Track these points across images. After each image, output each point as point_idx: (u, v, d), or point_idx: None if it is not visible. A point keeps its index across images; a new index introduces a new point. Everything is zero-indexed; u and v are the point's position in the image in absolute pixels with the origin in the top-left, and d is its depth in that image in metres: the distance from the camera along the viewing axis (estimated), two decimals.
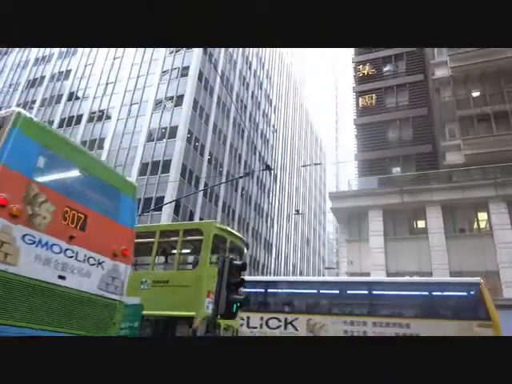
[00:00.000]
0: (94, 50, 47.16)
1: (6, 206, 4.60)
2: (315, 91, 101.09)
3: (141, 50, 43.91)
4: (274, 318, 14.75)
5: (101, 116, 42.18)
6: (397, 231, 24.98)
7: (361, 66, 32.96)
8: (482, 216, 23.74)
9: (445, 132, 26.67)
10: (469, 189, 23.01)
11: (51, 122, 44.39)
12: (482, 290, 13.07)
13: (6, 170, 4.69)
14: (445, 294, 14.35)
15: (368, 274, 22.92)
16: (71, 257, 5.24)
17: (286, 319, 14.61)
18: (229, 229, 11.08)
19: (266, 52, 63.12)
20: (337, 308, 14.96)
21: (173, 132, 37.34)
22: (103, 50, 46.29)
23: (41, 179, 5.17)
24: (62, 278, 5.09)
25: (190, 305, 9.31)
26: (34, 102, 47.33)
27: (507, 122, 24.58)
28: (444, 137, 26.59)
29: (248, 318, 14.81)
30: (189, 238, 10.82)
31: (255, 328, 14.65)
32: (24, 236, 4.76)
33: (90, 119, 42.45)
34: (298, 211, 54.01)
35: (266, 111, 59.89)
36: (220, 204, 42.58)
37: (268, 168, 21.24)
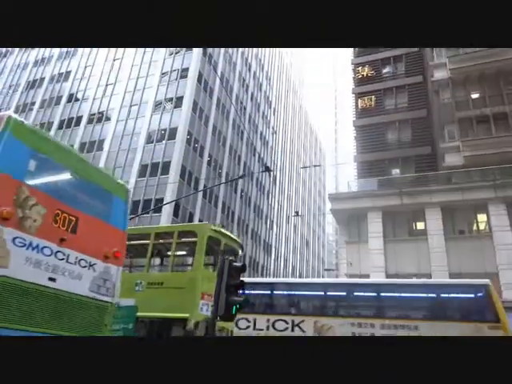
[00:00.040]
0: (94, 51, 47.21)
1: None
2: (315, 93, 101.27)
3: (140, 51, 43.95)
4: (281, 320, 14.63)
5: (100, 117, 42.18)
6: (396, 233, 24.98)
7: (360, 68, 33.02)
8: (482, 218, 23.75)
9: (444, 134, 26.71)
10: (468, 190, 23.02)
11: (51, 124, 44.43)
12: (490, 291, 12.98)
13: None
14: (453, 295, 14.23)
15: (367, 276, 22.92)
16: (62, 259, 5.28)
17: (292, 321, 14.47)
18: (223, 230, 11.08)
19: (266, 54, 63.20)
20: (344, 310, 14.83)
21: (172, 133, 37.34)
22: (103, 52, 46.33)
23: (32, 182, 5.21)
24: (52, 280, 5.12)
25: (184, 306, 9.32)
26: (33, 103, 47.33)
27: (506, 123, 24.62)
28: (443, 138, 26.62)
29: (254, 320, 14.77)
30: (183, 239, 10.83)
31: (261, 330, 14.57)
32: (14, 239, 4.79)
33: (90, 121, 42.45)
34: (297, 213, 53.98)
35: (266, 113, 59.94)
36: (219, 205, 42.57)
37: (267, 169, 21.25)
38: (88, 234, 5.69)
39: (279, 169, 62.49)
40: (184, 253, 11.64)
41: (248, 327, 14.71)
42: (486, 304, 12.95)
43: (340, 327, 13.63)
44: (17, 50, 53.57)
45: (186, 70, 40.40)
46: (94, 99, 43.55)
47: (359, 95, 31.98)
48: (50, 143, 5.81)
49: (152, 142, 37.87)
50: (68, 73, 47.64)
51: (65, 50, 49.82)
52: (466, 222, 24.19)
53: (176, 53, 42.17)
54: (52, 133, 43.57)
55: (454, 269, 21.70)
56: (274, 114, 63.93)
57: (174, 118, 38.16)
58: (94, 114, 42.60)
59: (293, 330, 14.28)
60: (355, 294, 15.59)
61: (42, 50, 51.59)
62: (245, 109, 51.93)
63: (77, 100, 44.95)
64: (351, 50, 35.04)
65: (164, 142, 37.30)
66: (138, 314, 8.58)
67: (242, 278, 9.93)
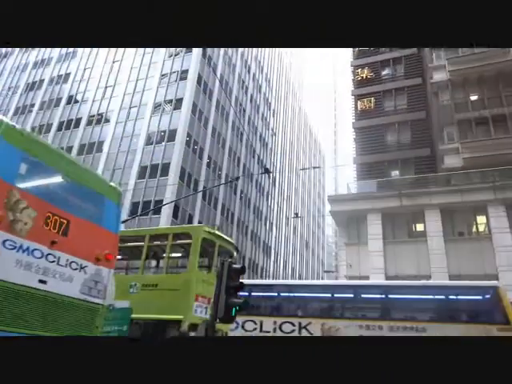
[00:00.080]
0: (93, 53, 47.27)
1: None
2: (314, 94, 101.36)
3: (140, 53, 44.01)
4: (288, 322, 14.52)
5: (100, 119, 42.20)
6: (396, 234, 24.97)
7: (359, 70, 33.09)
8: (481, 219, 23.75)
9: (443, 135, 26.75)
10: (467, 192, 23.03)
11: (50, 125, 44.43)
12: (500, 293, 12.92)
13: None
14: (462, 297, 14.15)
15: (367, 278, 22.90)
16: (53, 261, 5.31)
17: (299, 323, 14.35)
18: (217, 232, 11.12)
19: (265, 55, 63.31)
20: (352, 312, 14.73)
21: (172, 135, 37.36)
22: (102, 54, 46.39)
23: (23, 185, 5.24)
24: (42, 282, 5.15)
25: (179, 308, 9.35)
26: (32, 105, 47.36)
27: (505, 125, 24.67)
28: (442, 140, 26.66)
29: (261, 322, 14.68)
30: (178, 241, 10.86)
31: (268, 332, 14.49)
32: (5, 241, 4.82)
33: (89, 122, 42.46)
34: (296, 214, 54.02)
35: (265, 114, 60.00)
36: (219, 207, 42.57)
37: (267, 171, 21.29)
38: (79, 237, 5.73)
39: (279, 170, 62.53)
40: (179, 255, 11.69)
41: (255, 329, 14.63)
42: (495, 306, 12.86)
43: (347, 329, 13.50)
44: (16, 51, 53.62)
45: (186, 71, 40.45)
46: (93, 101, 43.58)
47: (358, 97, 32.03)
48: (42, 146, 5.84)
49: (151, 144, 37.89)
50: (67, 75, 47.69)
51: (64, 51, 49.87)
52: (465, 224, 24.18)
53: (175, 55, 42.24)
54: (51, 134, 43.61)
55: (454, 270, 21.69)
56: (273, 116, 64.01)
57: (173, 119, 38.18)
58: (94, 116, 42.61)
59: (300, 332, 14.17)
60: (363, 295, 15.45)
61: (42, 51, 51.65)
62: (244, 111, 51.98)
63: (76, 102, 44.98)
64: (351, 50, 35.08)
65: (163, 143, 37.32)
66: (133, 315, 8.60)
67: (241, 280, 9.94)
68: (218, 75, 45.05)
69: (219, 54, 46.40)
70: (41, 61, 51.00)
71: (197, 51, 40.92)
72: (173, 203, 33.41)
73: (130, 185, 35.98)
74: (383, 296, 14.88)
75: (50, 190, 5.71)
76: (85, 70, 46.77)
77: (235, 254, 11.55)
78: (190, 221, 36.38)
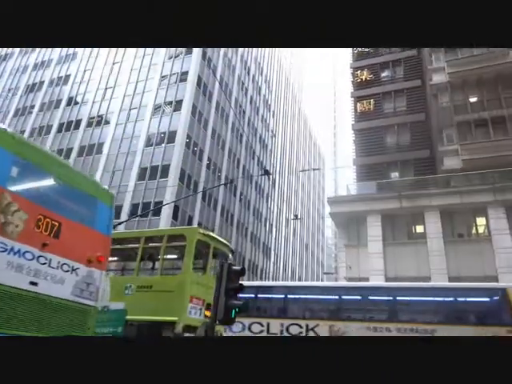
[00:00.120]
0: (94, 54, 47.32)
1: None
2: (314, 96, 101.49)
3: (140, 54, 44.06)
4: (295, 324, 14.44)
5: (100, 121, 42.22)
6: (395, 236, 24.96)
7: (359, 72, 33.12)
8: (481, 221, 23.75)
9: (442, 137, 26.77)
10: (467, 194, 23.03)
11: (50, 127, 44.45)
12: (509, 294, 12.87)
13: None
14: (471, 299, 14.09)
15: (367, 279, 22.88)
16: (44, 263, 5.34)
17: (307, 325, 14.27)
18: (212, 234, 11.14)
19: (265, 57, 63.40)
20: (360, 314, 14.63)
21: (171, 137, 37.38)
22: (102, 55, 46.45)
23: (14, 188, 5.28)
24: (33, 284, 5.19)
25: (173, 310, 9.37)
26: (32, 106, 47.37)
27: (504, 127, 24.70)
28: (442, 142, 26.69)
29: (268, 324, 14.64)
30: (173, 243, 10.87)
31: (275, 334, 14.46)
32: None
33: (89, 124, 42.48)
34: (296, 216, 53.99)
35: (265, 116, 60.05)
36: (219, 209, 42.56)
37: (267, 173, 21.33)
38: (71, 239, 5.77)
39: (278, 172, 62.55)
40: (174, 256, 11.72)
41: (262, 331, 14.58)
42: (504, 307, 12.80)
43: (356, 331, 13.42)
44: (16, 53, 53.66)
45: (186, 73, 40.50)
46: (93, 102, 43.61)
47: (358, 99, 32.06)
48: (33, 150, 5.89)
49: (151, 146, 37.91)
50: (67, 76, 47.72)
51: (64, 53, 49.92)
52: (465, 226, 24.18)
53: (175, 56, 42.30)
54: (51, 136, 43.63)
55: (454, 272, 21.68)
56: (273, 118, 64.06)
57: (173, 121, 38.21)
58: (94, 118, 42.64)
59: (307, 335, 14.14)
60: (371, 297, 15.34)
61: (42, 53, 51.70)
62: (244, 112, 52.02)
63: (76, 103, 45.01)
64: (351, 50, 35.11)
65: (163, 145, 37.33)
66: (128, 317, 8.63)
67: (241, 282, 9.93)
68: (218, 77, 45.11)
69: (219, 55, 46.47)
70: (41, 62, 51.05)
71: (197, 53, 40.98)
72: (172, 205, 33.42)
73: (130, 186, 35.99)
74: (391, 298, 14.79)
75: (41, 192, 5.77)
76: (85, 71, 46.81)
77: (230, 255, 11.56)
78: (190, 222, 36.37)
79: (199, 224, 37.72)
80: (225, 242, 11.61)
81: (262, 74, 61.24)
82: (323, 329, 13.94)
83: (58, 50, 50.53)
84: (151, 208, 33.04)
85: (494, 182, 22.73)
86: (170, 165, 35.85)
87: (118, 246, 11.59)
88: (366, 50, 33.70)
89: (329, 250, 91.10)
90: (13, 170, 5.30)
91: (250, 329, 14.63)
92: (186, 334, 9.30)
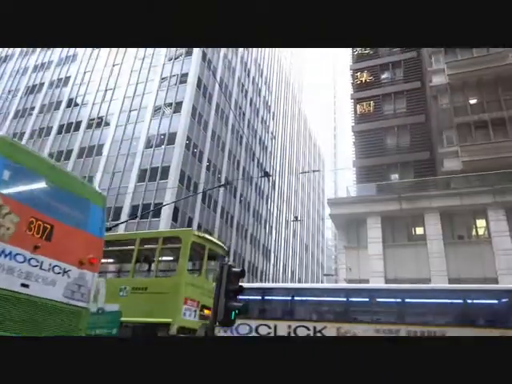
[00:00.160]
0: (94, 56, 47.39)
1: None
2: (314, 96, 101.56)
3: (140, 56, 44.11)
4: (303, 326, 14.29)
5: (100, 122, 42.25)
6: (395, 238, 24.94)
7: (358, 74, 33.14)
8: (481, 223, 23.74)
9: (442, 139, 26.78)
10: (467, 195, 23.03)
11: (50, 129, 44.47)
12: None
13: None
14: (481, 301, 13.92)
15: (367, 281, 22.86)
16: (36, 266, 5.38)
17: (314, 327, 14.12)
18: (207, 236, 11.17)
19: (265, 59, 63.48)
20: (368, 316, 14.50)
21: (171, 138, 37.39)
22: (102, 57, 46.51)
23: (5, 191, 5.31)
24: (25, 286, 5.23)
25: (167, 311, 9.41)
26: (32, 108, 47.41)
27: (504, 129, 24.70)
28: (442, 144, 26.69)
29: (275, 326, 14.55)
30: (168, 245, 10.89)
31: None
32: None
33: (89, 125, 42.50)
34: (296, 218, 53.99)
35: (265, 118, 60.09)
36: (218, 210, 42.55)
37: (266, 175, 21.32)
38: (63, 241, 5.80)
39: (278, 174, 62.55)
40: (169, 258, 11.73)
41: (269, 333, 14.49)
42: None
43: (363, 333, 13.25)
44: (16, 54, 53.73)
45: (186, 75, 40.54)
46: (93, 104, 43.65)
47: (358, 100, 32.07)
48: (25, 153, 5.93)
49: (151, 147, 37.92)
50: (67, 78, 47.77)
51: (64, 55, 49.98)
52: (465, 227, 24.17)
53: (175, 58, 42.36)
54: (51, 137, 43.66)
55: (453, 274, 21.65)
56: (273, 119, 64.11)
57: (173, 122, 38.23)
58: (94, 119, 42.66)
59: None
60: (379, 299, 15.18)
61: (42, 55, 51.77)
62: (244, 114, 52.06)
63: (76, 105, 45.05)
64: (351, 51, 35.15)
65: (163, 146, 37.34)
66: (122, 318, 8.66)
67: (241, 284, 9.93)
68: (218, 78, 45.16)
69: (219, 57, 46.53)
70: (41, 64, 51.10)
71: (196, 55, 41.03)
72: (172, 206, 33.42)
73: (130, 188, 36.00)
74: (400, 300, 14.64)
75: (33, 195, 5.81)
76: (85, 73, 46.87)
77: (226, 257, 11.59)
78: (190, 224, 36.36)
79: (199, 225, 37.72)
80: (220, 243, 11.64)
81: (262, 76, 61.31)
82: (331, 331, 13.78)
83: (58, 51, 50.60)
84: (153, 209, 33.03)
85: (494, 183, 22.73)
86: (169, 166, 35.85)
87: (114, 248, 11.65)
88: (366, 51, 33.76)
89: (329, 251, 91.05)
90: (4, 173, 5.33)
91: (257, 331, 14.55)
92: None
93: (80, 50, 48.93)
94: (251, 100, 54.93)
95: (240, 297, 16.25)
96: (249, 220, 50.55)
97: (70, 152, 41.46)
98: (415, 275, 22.24)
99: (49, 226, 5.58)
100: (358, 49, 34.00)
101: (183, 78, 40.55)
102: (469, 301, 13.86)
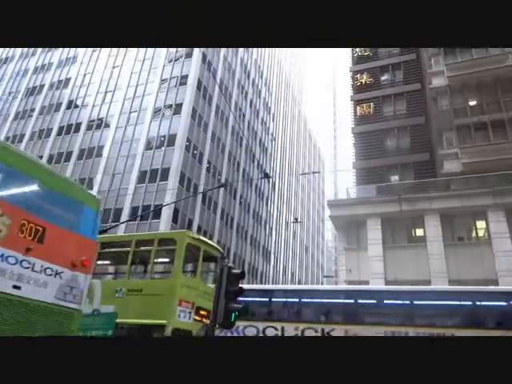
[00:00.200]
0: (94, 58, 47.46)
1: None
2: (314, 98, 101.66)
3: (140, 58, 44.18)
4: (311, 328, 14.23)
5: (100, 124, 42.28)
6: (395, 239, 24.94)
7: (358, 75, 33.19)
8: (481, 224, 23.74)
9: (442, 140, 26.78)
10: (467, 197, 23.03)
11: (50, 130, 44.51)
12: None
13: None
14: (490, 303, 13.85)
15: (367, 283, 22.85)
16: (27, 268, 5.41)
17: (322, 330, 14.08)
18: (202, 238, 11.20)
19: (265, 60, 63.57)
20: (377, 318, 14.40)
21: (171, 140, 37.42)
22: (102, 59, 46.58)
23: None
24: (16, 287, 5.26)
25: (162, 313, 9.44)
26: (33, 110, 47.45)
27: (504, 130, 24.72)
28: (442, 145, 26.69)
29: (283, 328, 14.48)
30: (163, 247, 10.92)
31: None
32: None
33: (89, 127, 42.53)
34: (296, 219, 53.98)
35: (265, 119, 60.14)
36: (218, 212, 42.55)
37: (266, 176, 21.35)
38: (55, 244, 5.83)
39: (278, 175, 62.57)
40: (165, 260, 11.76)
41: (276, 335, 14.44)
42: None
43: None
44: (17, 56, 53.83)
45: (186, 77, 40.59)
46: (93, 106, 43.70)
47: (358, 102, 32.11)
48: (17, 156, 5.96)
49: (151, 149, 37.94)
50: (68, 80, 47.83)
51: (64, 57, 50.07)
52: (465, 229, 24.17)
53: (175, 60, 42.42)
54: (51, 139, 43.69)
55: (454, 275, 21.64)
56: (273, 121, 64.16)
57: (173, 124, 38.26)
58: (94, 121, 42.71)
59: None
60: (388, 301, 15.08)
61: (42, 56, 51.85)
62: (244, 116, 52.11)
63: (76, 107, 45.09)
64: (351, 52, 35.19)
65: (163, 148, 37.37)
66: (118, 320, 8.70)
67: (241, 285, 9.92)
68: (218, 80, 45.22)
69: (219, 59, 46.60)
70: (41, 66, 51.18)
71: (196, 56, 41.09)
72: (172, 208, 33.42)
73: (130, 189, 36.00)
74: (408, 302, 14.56)
75: (25, 198, 5.82)
76: (85, 75, 46.93)
77: (225, 259, 11.62)
78: (190, 225, 36.36)
79: (199, 227, 37.72)
80: (215, 245, 11.68)
81: (262, 77, 61.39)
82: (339, 333, 13.67)
83: (58, 53, 50.68)
84: (151, 210, 33.04)
85: (494, 185, 22.74)
86: (169, 168, 35.87)
87: (111, 250, 11.68)
88: (366, 53, 33.79)
89: (329, 252, 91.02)
90: None
91: (264, 333, 14.49)
92: None
93: (80, 52, 49.02)
94: (251, 101, 54.98)
95: (248, 298, 16.43)
96: (249, 221, 50.54)
97: (70, 154, 41.50)
98: (415, 277, 22.23)
99: (41, 229, 5.62)
100: (357, 51, 34.06)
101: (183, 79, 40.60)
102: (478, 303, 13.76)
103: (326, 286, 20.65)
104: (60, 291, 5.79)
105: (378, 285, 21.68)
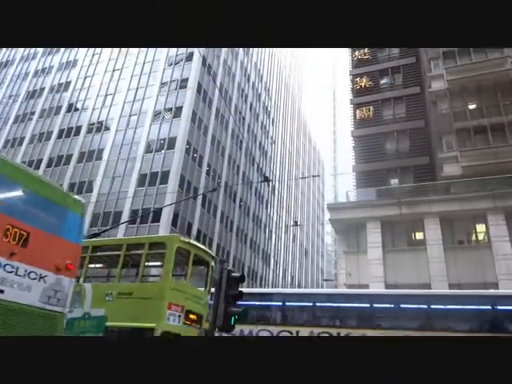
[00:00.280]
0: (94, 61, 47.58)
1: None
2: (314, 98, 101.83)
3: (140, 61, 44.29)
4: (326, 332, 14.03)
5: (100, 127, 42.33)
6: (395, 243, 24.92)
7: (358, 79, 33.26)
8: (481, 228, 23.73)
9: (442, 144, 26.81)
10: (467, 200, 23.03)
11: (50, 133, 44.55)
12: None
13: None
14: (503, 307, 13.59)
15: (367, 286, 22.80)
16: (11, 272, 5.43)
17: (338, 334, 13.92)
18: (193, 242, 11.23)
19: (265, 64, 63.73)
20: (393, 322, 14.23)
21: (171, 143, 37.45)
22: (103, 62, 46.70)
23: None
24: (0, 291, 5.28)
25: (152, 316, 9.46)
26: (33, 113, 47.52)
27: (503, 134, 24.75)
28: (441, 149, 26.72)
29: (297, 332, 14.37)
30: (154, 251, 10.95)
31: None
32: None
33: (89, 130, 42.57)
34: (296, 222, 53.94)
35: (265, 123, 60.22)
36: (218, 215, 42.52)
37: (266, 180, 21.33)
38: (40, 248, 5.86)
39: (278, 178, 62.58)
40: (156, 263, 11.78)
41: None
42: None
43: None
44: (17, 60, 53.95)
45: (186, 80, 40.68)
46: (93, 109, 43.76)
47: (357, 106, 32.17)
48: (0, 162, 5.97)
49: (151, 152, 37.96)
50: (68, 83, 47.92)
51: (65, 60, 50.20)
52: (464, 232, 24.15)
53: (175, 63, 42.52)
54: (51, 142, 43.72)
55: (453, 279, 21.62)
56: (272, 124, 64.25)
57: (173, 127, 38.30)
58: (94, 124, 42.75)
59: None
60: (403, 305, 14.84)
61: (43, 60, 51.98)
62: (244, 119, 52.18)
63: (76, 110, 45.16)
64: (350, 55, 35.26)
65: (163, 151, 37.39)
66: (108, 323, 8.73)
67: (240, 289, 9.92)
68: (218, 84, 45.31)
69: (219, 62, 46.72)
70: (41, 69, 51.29)
71: (197, 60, 41.19)
72: (172, 211, 33.41)
73: (130, 192, 35.98)
74: (425, 306, 14.44)
75: (10, 203, 5.84)
76: (85, 78, 47.02)
77: (213, 263, 11.64)
78: (190, 228, 36.33)
79: (198, 230, 37.69)
80: (206, 249, 11.73)
81: (262, 81, 61.52)
82: None
83: (59, 56, 50.81)
84: (150, 214, 33.03)
85: (494, 188, 22.74)
86: (169, 171, 35.87)
87: (102, 254, 11.70)
88: (365, 56, 33.87)
89: (328, 256, 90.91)
90: None
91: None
92: None
93: (81, 55, 49.13)
94: (251, 105, 55.08)
95: (262, 303, 16.46)
96: (248, 225, 50.51)
97: (70, 157, 41.52)
98: (415, 280, 22.20)
99: (25, 233, 5.65)
100: (357, 54, 34.14)
101: (183, 83, 40.69)
102: (494, 307, 13.62)
103: (341, 290, 20.38)
104: (44, 295, 5.83)
105: (378, 288, 21.64)
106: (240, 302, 9.79)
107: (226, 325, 9.36)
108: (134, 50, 45.21)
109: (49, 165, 42.22)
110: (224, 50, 47.72)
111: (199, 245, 11.65)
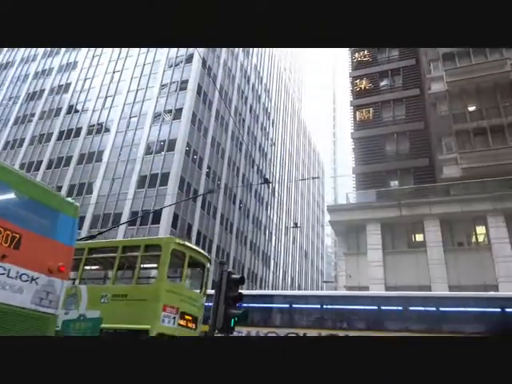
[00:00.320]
0: (94, 63, 47.64)
1: None
2: (314, 100, 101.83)
3: (140, 63, 44.35)
4: (334, 335, 13.92)
5: (100, 129, 42.36)
6: (395, 244, 24.91)
7: (358, 81, 33.31)
8: (481, 230, 23.74)
9: (442, 146, 26.83)
10: (467, 202, 23.04)
11: (50, 135, 44.58)
12: None
13: None
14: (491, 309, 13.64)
15: (366, 288, 22.78)
16: (2, 274, 5.49)
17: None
18: (188, 244, 11.24)
19: (265, 66, 63.81)
20: (401, 325, 14.12)
21: (171, 145, 37.47)
22: (103, 64, 46.76)
23: None
24: None
25: (146, 318, 9.47)
26: (33, 114, 47.55)
27: (503, 136, 24.77)
28: (441, 150, 26.74)
29: (304, 334, 14.27)
30: (149, 253, 10.97)
31: None
32: None
33: (89, 132, 42.60)
34: (296, 224, 53.91)
35: (265, 125, 60.26)
36: (218, 217, 42.51)
37: (266, 181, 21.33)
38: (32, 250, 5.89)
39: (278, 180, 62.58)
40: (152, 265, 11.79)
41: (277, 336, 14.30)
42: None
43: None
44: (17, 61, 54.00)
45: (186, 82, 40.73)
46: (93, 111, 43.80)
47: (357, 107, 32.20)
48: None
49: (151, 154, 37.98)
50: (68, 85, 47.97)
51: (65, 62, 50.27)
52: (464, 234, 24.15)
53: (175, 65, 42.58)
54: (51, 144, 43.75)
55: (453, 281, 21.61)
56: (272, 126, 64.28)
57: (173, 129, 38.33)
58: (94, 126, 42.78)
59: None
60: (412, 308, 14.73)
61: (43, 61, 52.05)
62: (243, 121, 52.22)
63: (76, 111, 45.19)
64: (350, 57, 35.33)
65: (163, 153, 37.40)
66: (103, 325, 8.73)
67: (240, 291, 9.91)
68: (218, 86, 45.36)
69: (219, 64, 46.78)
70: (41, 71, 51.34)
71: (196, 62, 41.25)
72: (171, 213, 33.40)
73: (130, 194, 35.99)
74: (434, 308, 14.36)
75: (1, 205, 5.90)
76: (85, 80, 47.07)
77: (208, 265, 11.65)
78: (189, 230, 36.32)
79: (198, 232, 37.68)
80: (201, 251, 11.74)
81: (262, 83, 61.59)
82: None
83: (59, 58, 50.88)
84: (150, 216, 33.02)
85: (494, 190, 22.75)
86: (169, 173, 35.88)
87: (98, 255, 11.71)
88: (365, 58, 33.92)
89: (328, 258, 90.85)
90: None
91: None
92: None
93: (81, 57, 49.19)
94: (251, 107, 55.13)
95: (268, 305, 16.40)
96: (248, 227, 50.49)
97: (69, 158, 41.53)
98: (415, 282, 22.18)
99: (17, 236, 5.68)
100: (356, 56, 34.20)
101: (183, 84, 40.73)
102: (506, 309, 13.50)
103: (349, 292, 20.27)
104: (36, 297, 5.86)
105: (378, 290, 21.61)
106: (245, 304, 9.81)
107: (226, 327, 9.35)
108: (134, 52, 45.29)
109: (49, 166, 42.23)
110: (224, 51, 47.83)
111: (195, 247, 11.67)
